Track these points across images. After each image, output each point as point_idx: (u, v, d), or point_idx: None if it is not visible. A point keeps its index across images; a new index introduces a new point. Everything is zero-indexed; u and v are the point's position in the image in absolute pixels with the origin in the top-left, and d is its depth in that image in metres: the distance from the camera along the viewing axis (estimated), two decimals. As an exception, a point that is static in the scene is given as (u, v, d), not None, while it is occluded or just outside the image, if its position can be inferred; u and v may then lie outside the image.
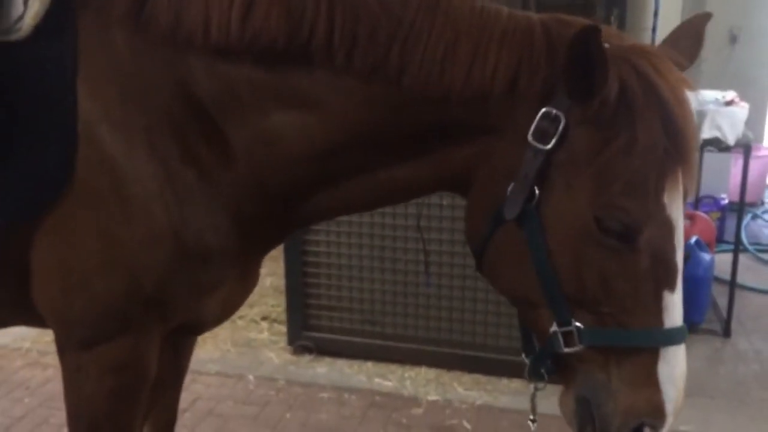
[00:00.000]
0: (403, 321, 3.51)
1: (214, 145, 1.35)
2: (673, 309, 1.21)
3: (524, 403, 3.33)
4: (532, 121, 1.18)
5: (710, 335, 3.96)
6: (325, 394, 3.28)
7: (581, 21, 1.20)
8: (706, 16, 1.31)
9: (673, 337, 1.21)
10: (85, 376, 1.43)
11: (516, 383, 3.36)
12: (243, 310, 3.46)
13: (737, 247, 4.04)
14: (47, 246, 1.34)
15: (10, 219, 1.31)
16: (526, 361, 1.37)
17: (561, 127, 1.16)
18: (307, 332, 3.65)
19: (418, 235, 3.32)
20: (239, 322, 3.98)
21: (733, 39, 6.90)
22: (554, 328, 1.24)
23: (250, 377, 3.43)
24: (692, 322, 3.96)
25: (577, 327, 1.22)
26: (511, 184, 1.22)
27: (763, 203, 7.06)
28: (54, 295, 1.38)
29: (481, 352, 3.42)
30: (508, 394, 3.30)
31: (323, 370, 3.52)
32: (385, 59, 1.25)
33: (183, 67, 1.33)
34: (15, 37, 1.29)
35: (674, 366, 1.21)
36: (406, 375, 3.45)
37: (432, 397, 3.25)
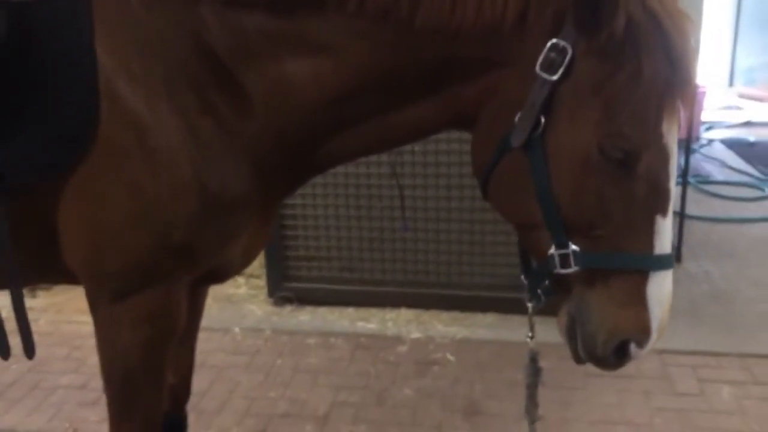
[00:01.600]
0: (380, 266, 3.65)
1: (231, 95, 1.40)
2: (664, 234, 1.29)
3: (500, 334, 3.55)
4: (540, 53, 1.24)
5: (663, 261, 4.25)
6: (311, 340, 3.41)
7: None
8: None
9: (663, 262, 1.28)
10: (119, 327, 1.49)
11: (491, 317, 3.56)
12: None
13: (685, 180, 4.30)
14: (76, 202, 1.38)
15: (38, 177, 1.34)
16: (525, 282, 1.47)
17: (568, 58, 1.22)
18: (287, 283, 3.74)
19: (392, 182, 3.43)
20: (216, 279, 4.03)
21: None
22: (552, 250, 1.31)
23: (236, 329, 3.52)
24: (647, 251, 4.24)
25: (573, 250, 1.29)
26: (518, 114, 1.27)
27: (698, 139, 7.45)
28: (85, 250, 1.42)
29: (457, 291, 3.60)
30: (485, 327, 3.49)
31: (306, 318, 3.64)
32: (396, 0, 1.29)
33: (197, 19, 1.37)
34: None
35: (662, 287, 1.29)
36: (387, 317, 3.60)
37: (414, 335, 3.41)
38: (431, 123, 1.45)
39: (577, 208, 1.28)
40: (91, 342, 3.59)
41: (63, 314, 3.69)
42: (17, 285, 1.39)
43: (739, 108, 8.56)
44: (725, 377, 3.01)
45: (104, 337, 1.54)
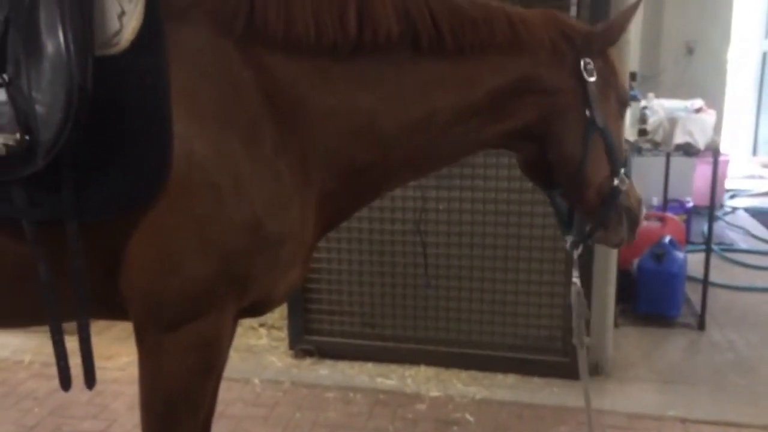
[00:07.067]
0: (401, 322, 3.67)
1: (299, 135, 1.55)
2: None
3: (521, 396, 3.52)
4: (580, 71, 1.76)
5: (686, 328, 4.21)
6: (330, 394, 3.40)
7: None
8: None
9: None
10: (167, 354, 1.53)
11: (511, 378, 3.54)
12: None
13: (709, 246, 4.30)
14: (146, 234, 1.45)
15: (118, 214, 1.43)
16: (568, 238, 2.01)
17: (592, 67, 1.78)
18: (308, 336, 3.77)
19: (415, 239, 3.48)
20: (237, 329, 4.05)
21: (690, 51, 7.28)
22: (615, 183, 1.83)
23: (256, 381, 3.53)
24: (670, 316, 4.22)
25: (623, 171, 1.86)
26: (587, 109, 1.78)
27: (722, 206, 7.44)
28: (151, 278, 1.48)
29: (477, 350, 3.59)
30: (505, 388, 3.47)
31: (326, 371, 3.64)
32: (477, 37, 1.65)
33: (265, 63, 1.51)
34: (113, 51, 1.41)
35: None
36: (407, 374, 3.59)
37: (434, 394, 3.40)
38: (497, 134, 1.80)
39: (619, 148, 1.89)
40: (114, 387, 3.63)
41: (86, 359, 3.73)
42: (87, 316, 1.46)
43: (762, 177, 8.55)
44: (750, 449, 2.96)
45: (149, 367, 1.57)
